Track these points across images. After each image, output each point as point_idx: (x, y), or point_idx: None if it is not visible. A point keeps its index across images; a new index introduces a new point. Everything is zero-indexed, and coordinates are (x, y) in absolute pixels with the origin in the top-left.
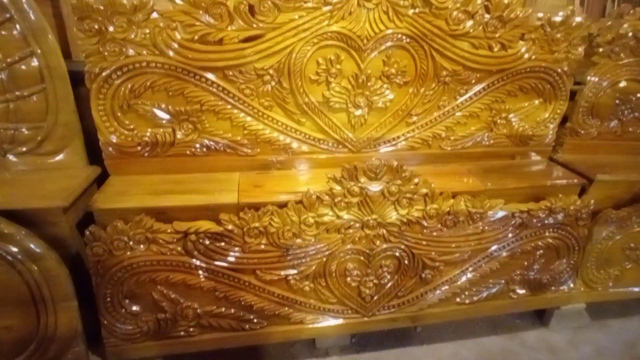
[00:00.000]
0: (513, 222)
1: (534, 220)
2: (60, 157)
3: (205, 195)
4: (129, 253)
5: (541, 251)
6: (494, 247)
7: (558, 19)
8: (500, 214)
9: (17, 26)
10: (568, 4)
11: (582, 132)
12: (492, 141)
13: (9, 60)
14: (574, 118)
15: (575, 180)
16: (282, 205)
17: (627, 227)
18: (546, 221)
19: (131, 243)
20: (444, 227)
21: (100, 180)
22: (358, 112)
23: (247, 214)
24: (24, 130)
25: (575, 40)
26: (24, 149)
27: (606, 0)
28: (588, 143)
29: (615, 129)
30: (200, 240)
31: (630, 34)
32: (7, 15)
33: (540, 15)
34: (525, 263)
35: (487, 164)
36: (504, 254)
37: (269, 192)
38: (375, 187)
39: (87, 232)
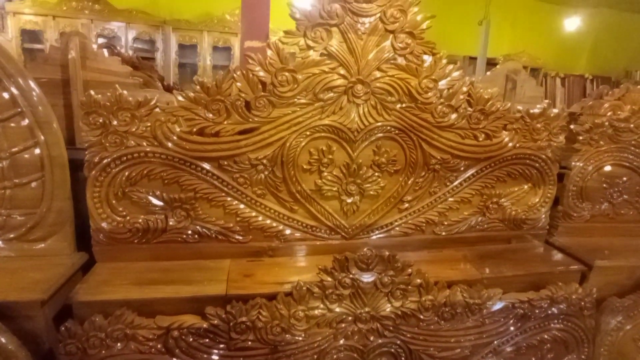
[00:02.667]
0: (514, 313)
1: (537, 311)
2: (48, 243)
3: (192, 285)
4: (104, 352)
5: (548, 345)
6: (496, 342)
7: (536, 111)
8: (500, 304)
9: (26, 119)
10: (550, 90)
11: (575, 215)
12: (486, 225)
13: (13, 149)
14: (564, 202)
15: (575, 267)
16: (272, 297)
17: (636, 316)
18: (549, 312)
19: (108, 341)
20: (441, 320)
21: (88, 265)
22: (350, 200)
23: (235, 307)
24: (16, 216)
25: (555, 130)
26: (12, 235)
27: (585, 81)
28: (582, 226)
29: (608, 211)
30: (183, 337)
31: (606, 122)
32: (18, 110)
33: (520, 107)
34: (533, 359)
35: (483, 249)
36: (509, 349)
37: (258, 283)
38: (367, 278)
39: (63, 329)
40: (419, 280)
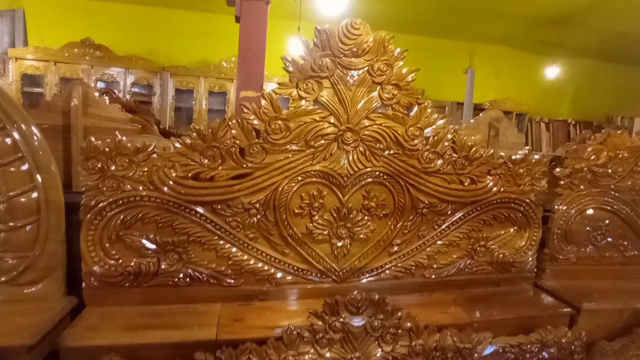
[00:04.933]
0: (505, 357)
1: (527, 356)
2: (38, 287)
3: (182, 330)
4: None
5: None
6: None
7: (518, 157)
8: (490, 349)
9: (26, 164)
10: (535, 134)
11: (561, 257)
12: (474, 268)
13: (10, 193)
14: (550, 244)
15: (563, 310)
16: (262, 342)
17: None
18: (540, 356)
19: None
20: None
21: (78, 308)
22: (340, 243)
23: (224, 352)
24: (8, 259)
25: (537, 175)
26: (3, 279)
27: (569, 126)
28: (569, 268)
29: (593, 254)
30: None
31: (585, 168)
32: (19, 155)
33: (502, 154)
34: None
35: (472, 292)
36: None
37: (249, 327)
38: (357, 322)
39: None
40: (409, 324)
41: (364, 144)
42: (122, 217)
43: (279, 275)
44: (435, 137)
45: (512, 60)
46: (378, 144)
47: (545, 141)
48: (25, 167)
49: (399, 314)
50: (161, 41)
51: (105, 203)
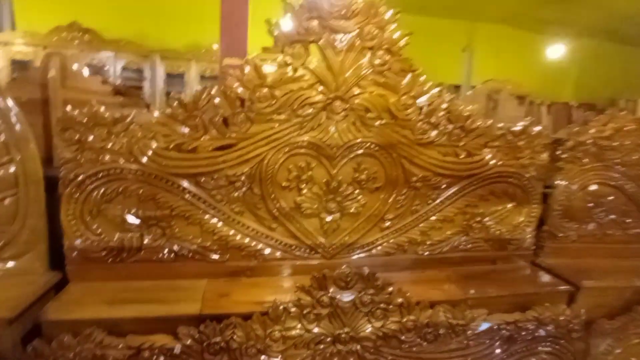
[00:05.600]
0: (500, 335)
1: (523, 333)
2: (20, 261)
3: (166, 305)
4: None
5: None
6: None
7: (518, 128)
8: (485, 325)
9: (2, 136)
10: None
11: (561, 235)
12: (469, 245)
13: None
14: (550, 221)
15: (562, 288)
16: (248, 317)
17: (625, 339)
18: (536, 334)
19: None
20: (423, 342)
21: (62, 284)
22: (330, 218)
23: (208, 326)
24: None
25: (537, 148)
26: None
27: (571, 109)
28: (569, 246)
29: (595, 232)
30: (155, 358)
31: (590, 140)
32: None
33: (501, 125)
34: None
35: (467, 270)
36: None
37: (234, 302)
38: (346, 297)
39: (29, 348)
40: (400, 300)
41: (354, 114)
42: (102, 190)
43: (267, 251)
44: (430, 107)
45: (513, 40)
46: (369, 114)
47: (545, 124)
48: (1, 139)
49: (390, 289)
50: (150, 24)
51: (84, 176)
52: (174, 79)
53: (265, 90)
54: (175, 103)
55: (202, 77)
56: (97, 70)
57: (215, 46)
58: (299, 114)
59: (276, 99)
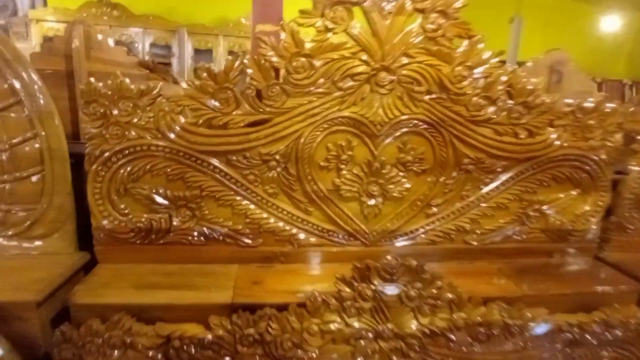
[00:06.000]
0: (562, 338)
1: (588, 337)
2: (48, 241)
3: (196, 291)
4: (101, 359)
5: None
6: None
7: (589, 105)
8: (545, 327)
9: (25, 109)
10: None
11: (631, 227)
12: (524, 236)
13: (13, 141)
14: (619, 211)
15: (632, 287)
16: (283, 308)
17: None
18: (603, 338)
19: (105, 347)
20: (475, 342)
21: (90, 266)
22: (371, 202)
23: (241, 317)
24: (16, 211)
25: (610, 127)
26: (12, 232)
27: (624, 87)
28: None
29: None
30: (185, 347)
31: None
32: (17, 99)
33: (570, 101)
34: None
35: (520, 263)
36: None
37: (268, 291)
38: (391, 291)
39: (57, 332)
40: (450, 295)
41: (402, 86)
42: (129, 168)
43: (302, 236)
44: (488, 79)
45: (564, 10)
46: (418, 87)
47: None
48: (24, 113)
49: (439, 282)
50: None
51: (110, 153)
52: (202, 55)
53: (303, 59)
54: (205, 74)
55: (231, 53)
56: (126, 46)
57: (244, 20)
58: (340, 86)
59: (315, 70)
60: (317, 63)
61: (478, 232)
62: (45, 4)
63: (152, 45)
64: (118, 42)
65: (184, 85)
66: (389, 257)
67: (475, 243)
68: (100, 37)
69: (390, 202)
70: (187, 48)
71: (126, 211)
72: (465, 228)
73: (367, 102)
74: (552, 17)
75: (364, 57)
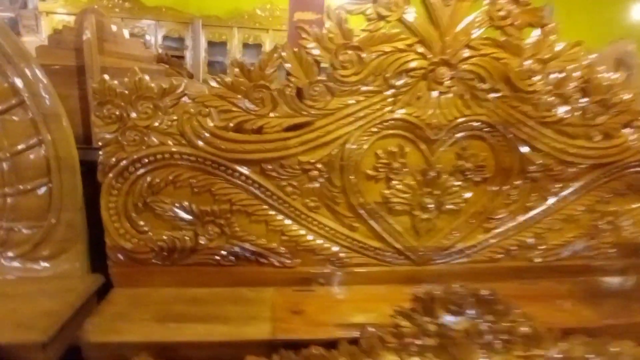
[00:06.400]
0: None
1: None
2: (56, 263)
3: (229, 325)
4: None
5: None
6: None
7: None
8: None
9: (29, 112)
10: None
11: None
12: (594, 252)
13: (16, 148)
14: None
15: None
16: (331, 345)
17: None
18: None
19: None
20: None
21: (105, 289)
22: (425, 216)
23: (284, 358)
24: (19, 229)
25: None
26: (15, 253)
27: None
28: None
29: None
30: None
31: None
32: (19, 100)
33: None
34: None
35: (590, 282)
36: None
37: (312, 324)
38: (458, 325)
39: None
40: (525, 329)
41: (463, 83)
42: (149, 179)
43: (345, 254)
44: (561, 75)
45: None
46: (481, 84)
47: None
48: (28, 116)
49: (513, 314)
50: None
51: (127, 162)
52: (216, 47)
53: (351, 52)
54: (237, 70)
55: (245, 45)
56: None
57: (259, 11)
58: (393, 84)
59: (364, 65)
60: (367, 57)
61: (543, 247)
62: None
63: (165, 37)
64: (130, 35)
65: (212, 83)
66: (456, 285)
67: (539, 260)
68: (114, 28)
69: (445, 215)
70: (201, 41)
71: (146, 228)
72: (529, 243)
73: (423, 102)
74: (588, 4)
75: (421, 49)
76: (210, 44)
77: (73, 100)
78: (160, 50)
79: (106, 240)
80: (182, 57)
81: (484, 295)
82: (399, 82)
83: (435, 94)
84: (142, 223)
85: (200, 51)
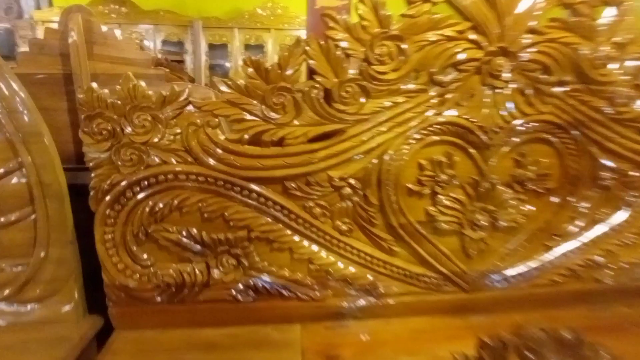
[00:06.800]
0: None
1: None
2: (46, 305)
3: None
4: None
5: None
6: None
7: None
8: None
9: (5, 131)
10: None
11: None
12: None
13: None
14: None
15: None
16: None
17: None
18: None
19: None
20: None
21: (105, 332)
22: (476, 235)
23: None
24: (3, 268)
25: None
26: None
27: None
28: None
29: None
30: None
31: None
32: None
33: None
34: None
35: None
36: None
37: None
38: None
39: None
40: None
41: (525, 76)
42: (150, 205)
43: (383, 283)
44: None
45: None
46: (547, 76)
47: None
48: (5, 135)
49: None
50: None
51: (123, 185)
52: (217, 50)
53: (389, 43)
54: (251, 70)
55: (247, 47)
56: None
57: (260, 10)
58: (440, 80)
59: (406, 58)
60: (409, 48)
61: (614, 267)
62: (50, 4)
63: (164, 42)
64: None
65: (222, 87)
66: (535, 328)
67: (610, 282)
68: (105, 28)
69: (500, 233)
70: (201, 44)
71: (149, 262)
72: (598, 262)
73: (476, 101)
74: None
75: (474, 36)
76: (211, 46)
77: (61, 113)
78: (159, 55)
79: (104, 277)
80: (182, 62)
81: (566, 338)
82: (448, 78)
83: (490, 90)
84: (144, 256)
85: (201, 54)
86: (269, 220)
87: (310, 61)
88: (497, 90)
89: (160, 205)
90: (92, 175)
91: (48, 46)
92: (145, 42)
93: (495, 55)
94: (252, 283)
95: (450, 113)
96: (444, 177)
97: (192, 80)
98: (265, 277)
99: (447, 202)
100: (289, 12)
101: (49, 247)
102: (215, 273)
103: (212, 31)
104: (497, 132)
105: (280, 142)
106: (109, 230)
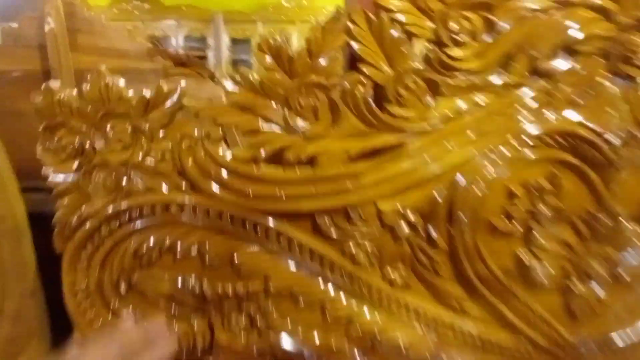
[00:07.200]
0: None
1: None
2: None
3: None
4: None
5: None
6: None
7: None
8: None
9: None
10: None
11: None
12: None
13: None
14: None
15: None
16: None
17: None
18: None
19: None
20: None
21: None
22: (587, 288)
23: None
24: None
25: None
26: None
27: None
28: None
29: None
30: None
31: None
32: None
33: None
34: None
35: None
36: None
37: None
38: None
39: None
40: None
41: None
42: (134, 245)
43: (449, 354)
44: None
45: None
46: None
47: None
48: None
49: None
50: None
51: (97, 220)
52: (240, 45)
53: (472, 16)
54: (269, 59)
55: None
56: (160, 42)
57: (285, 2)
58: (545, 70)
59: (496, 36)
60: (502, 25)
61: None
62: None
63: (187, 38)
64: (151, 38)
65: (227, 85)
66: None
67: None
68: (89, 14)
69: (620, 286)
70: (223, 38)
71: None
72: None
73: (599, 100)
74: None
75: (600, 2)
76: (234, 41)
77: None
78: (180, 52)
79: (77, 336)
80: (204, 58)
81: None
82: (559, 67)
83: (613, 87)
84: (127, 312)
85: (223, 49)
86: (294, 267)
87: (354, 44)
88: (628, 84)
89: (147, 246)
90: (56, 205)
91: (24, 37)
92: (169, 39)
93: (628, 31)
94: (270, 349)
95: (560, 117)
96: (544, 208)
97: (212, 76)
98: (288, 342)
99: (547, 245)
100: (315, 3)
101: (4, 300)
102: (222, 335)
103: (235, 25)
104: (627, 145)
105: (311, 162)
106: (81, 277)
